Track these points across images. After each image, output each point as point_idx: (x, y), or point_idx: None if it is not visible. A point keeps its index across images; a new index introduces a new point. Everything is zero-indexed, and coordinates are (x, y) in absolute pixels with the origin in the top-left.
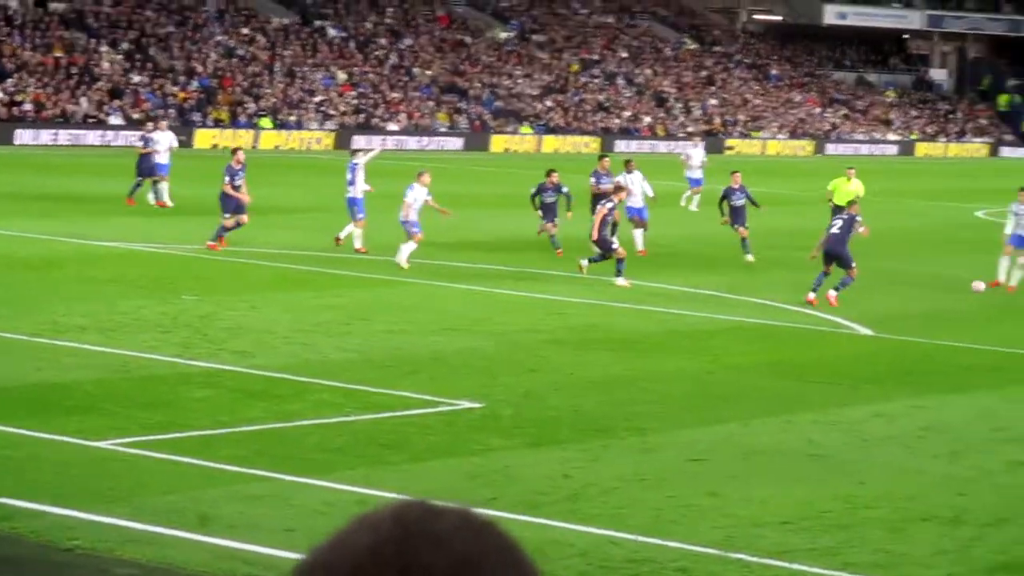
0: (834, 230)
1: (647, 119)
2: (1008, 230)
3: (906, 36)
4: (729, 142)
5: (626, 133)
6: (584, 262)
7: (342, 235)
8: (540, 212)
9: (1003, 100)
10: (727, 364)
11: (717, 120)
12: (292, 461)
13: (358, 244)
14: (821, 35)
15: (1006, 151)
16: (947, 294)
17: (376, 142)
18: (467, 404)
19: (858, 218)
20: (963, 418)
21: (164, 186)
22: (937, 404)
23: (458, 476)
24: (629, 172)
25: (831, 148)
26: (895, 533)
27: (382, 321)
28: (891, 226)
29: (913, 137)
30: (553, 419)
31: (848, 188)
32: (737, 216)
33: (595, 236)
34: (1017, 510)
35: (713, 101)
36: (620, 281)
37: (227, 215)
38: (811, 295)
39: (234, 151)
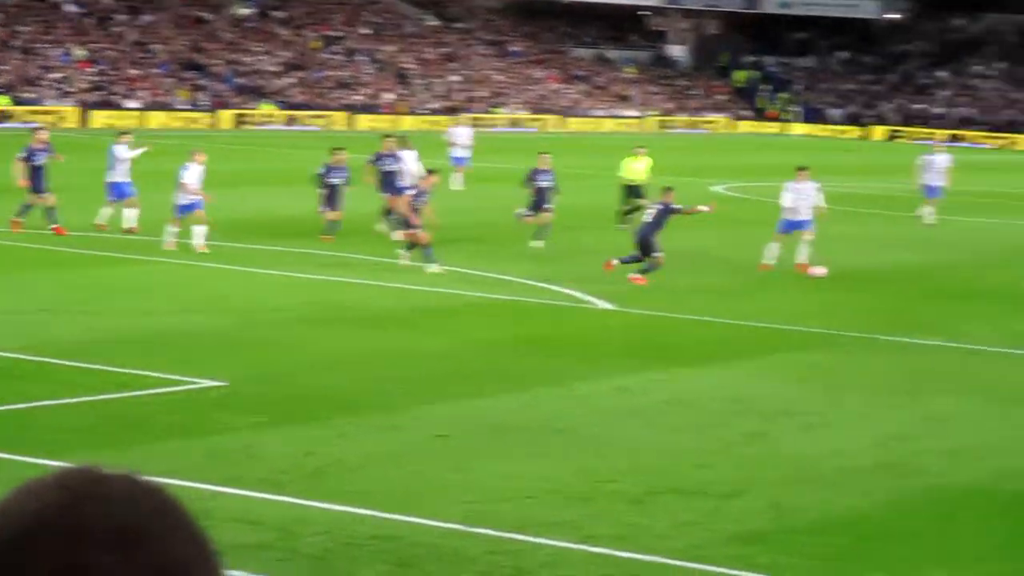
0: (647, 219)
1: (389, 96)
2: (787, 203)
3: (644, 13)
4: (471, 117)
5: (368, 110)
6: (404, 252)
7: (100, 220)
8: (325, 192)
9: (740, 76)
10: (472, 340)
11: (459, 97)
12: (31, 443)
13: (129, 224)
14: (561, 11)
15: (743, 126)
16: (688, 268)
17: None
18: (210, 383)
19: (674, 206)
20: (704, 391)
21: None
22: (678, 377)
23: (199, 455)
24: (403, 150)
25: (572, 124)
26: (637, 506)
27: (127, 300)
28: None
29: (652, 113)
30: (298, 397)
31: (636, 167)
32: (540, 198)
33: (415, 222)
34: (755, 481)
35: (455, 78)
36: (432, 268)
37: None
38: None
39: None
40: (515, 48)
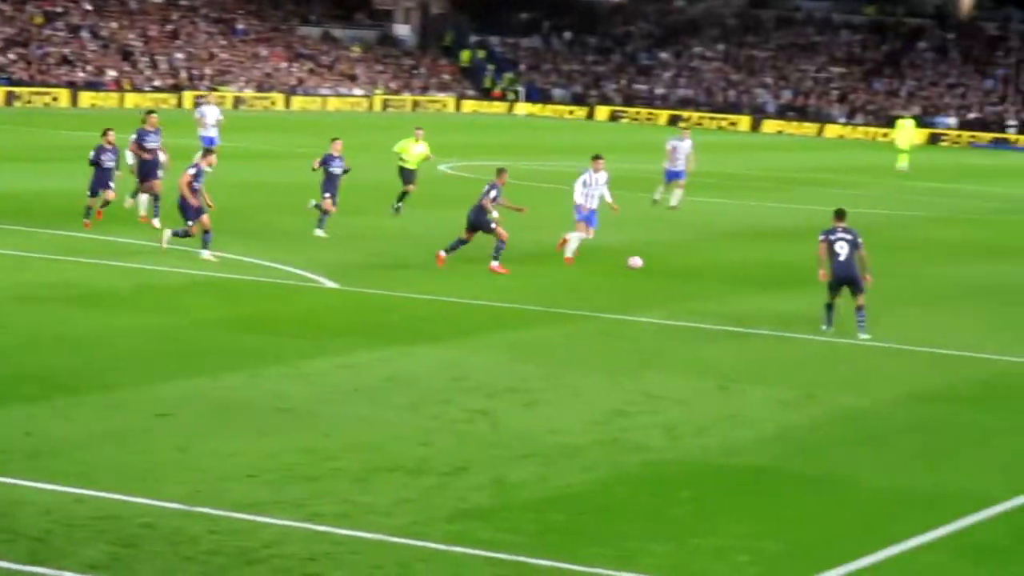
0: (479, 200)
1: (112, 72)
2: (579, 199)
3: None
4: (196, 94)
5: (92, 87)
6: (168, 233)
7: None
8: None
9: (465, 56)
10: (196, 319)
11: (183, 74)
12: None
13: None
14: None
15: (468, 106)
16: (410, 247)
17: None
18: None
19: (498, 185)
20: (425, 368)
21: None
22: (400, 355)
23: None
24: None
25: (298, 103)
26: (359, 483)
27: None
28: (358, 180)
29: (378, 92)
30: (15, 377)
31: (414, 150)
32: (331, 185)
33: (194, 203)
34: (476, 458)
35: (179, 55)
36: (205, 254)
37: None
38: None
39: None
40: (241, 26)
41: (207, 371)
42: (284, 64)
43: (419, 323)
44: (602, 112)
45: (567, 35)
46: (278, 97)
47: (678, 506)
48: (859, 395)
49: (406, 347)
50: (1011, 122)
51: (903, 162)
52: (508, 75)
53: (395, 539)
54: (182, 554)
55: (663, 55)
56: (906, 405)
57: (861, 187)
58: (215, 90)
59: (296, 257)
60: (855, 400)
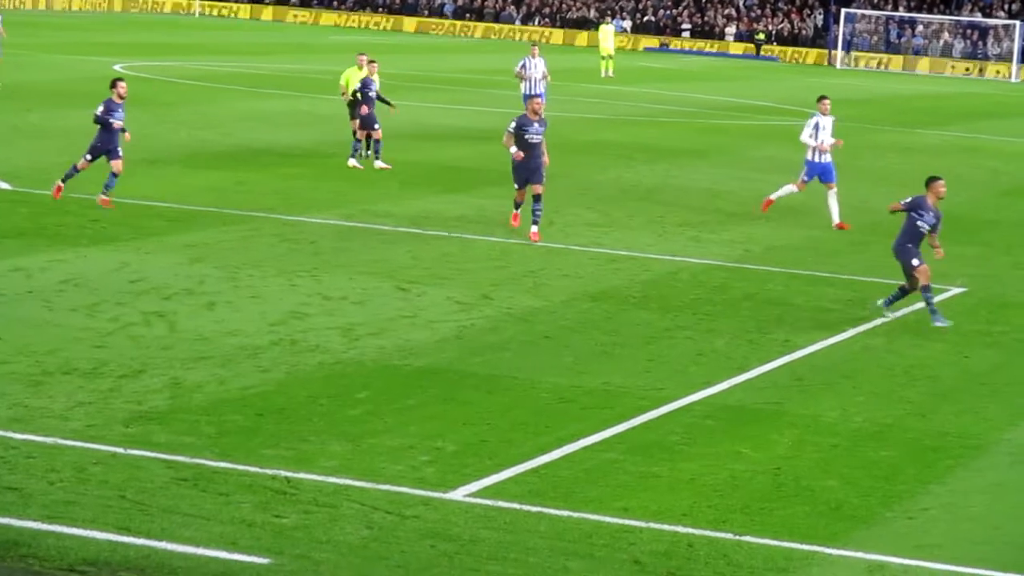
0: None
1: None
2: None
3: None
4: None
5: None
6: None
7: None
8: None
9: None
10: None
11: None
12: None
13: None
14: None
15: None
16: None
17: None
18: None
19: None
20: (100, 271)
21: None
22: (74, 257)
23: None
24: None
25: None
26: (33, 387)
27: None
28: (29, 79)
29: None
30: None
31: (360, 76)
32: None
33: None
34: (152, 360)
35: None
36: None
37: None
38: None
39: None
40: None
41: None
42: None
43: (90, 224)
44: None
45: None
46: None
47: (356, 406)
48: (534, 296)
49: (80, 249)
50: (685, 26)
51: (609, 68)
52: None
53: (70, 443)
54: None
55: None
56: (577, 305)
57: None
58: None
59: None
60: (530, 301)
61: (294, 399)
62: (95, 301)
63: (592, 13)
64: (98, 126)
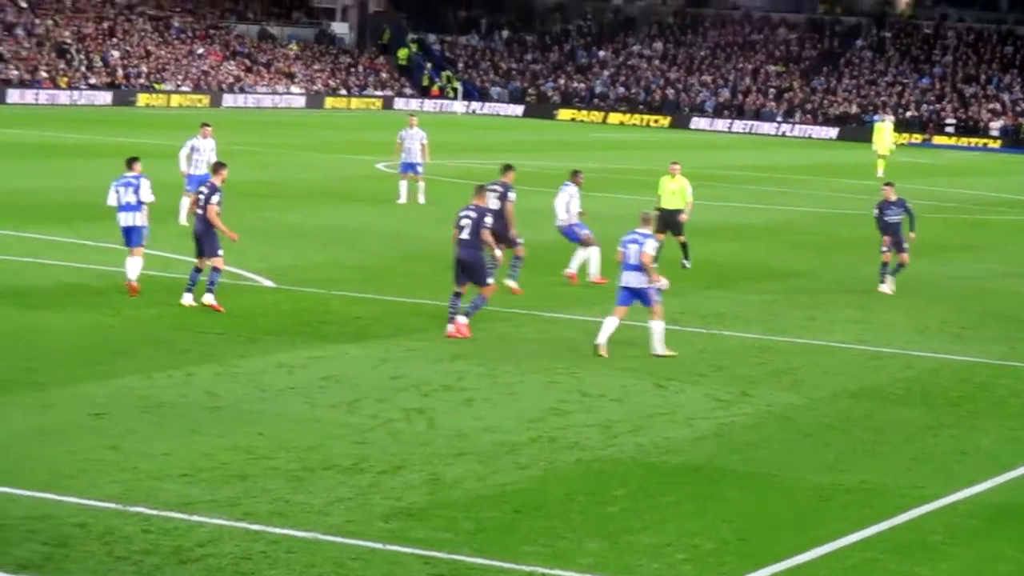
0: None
1: (46, 72)
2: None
3: None
4: (139, 96)
5: (26, 84)
6: None
7: None
8: None
9: (402, 54)
10: (128, 317)
11: (120, 72)
12: None
13: None
14: None
15: (400, 103)
16: (344, 246)
17: None
18: None
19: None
20: (361, 367)
21: None
22: (335, 354)
23: None
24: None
25: (231, 100)
26: (294, 482)
27: None
28: (293, 178)
29: (316, 90)
30: None
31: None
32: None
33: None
34: (412, 456)
35: (115, 53)
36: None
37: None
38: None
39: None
40: (176, 24)
41: (139, 369)
42: (220, 62)
43: (353, 321)
44: (565, 114)
45: (505, 33)
46: (213, 95)
47: (613, 504)
48: (794, 393)
49: (341, 345)
50: (949, 121)
51: (881, 168)
52: (446, 73)
53: (330, 538)
54: (115, 554)
55: (601, 53)
56: (837, 402)
57: (790, 185)
58: (151, 88)
59: (232, 256)
60: (789, 398)
61: (552, 496)
62: (356, 397)
63: (854, 108)
64: None
